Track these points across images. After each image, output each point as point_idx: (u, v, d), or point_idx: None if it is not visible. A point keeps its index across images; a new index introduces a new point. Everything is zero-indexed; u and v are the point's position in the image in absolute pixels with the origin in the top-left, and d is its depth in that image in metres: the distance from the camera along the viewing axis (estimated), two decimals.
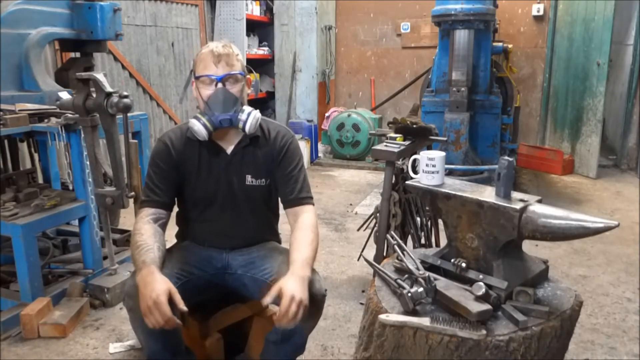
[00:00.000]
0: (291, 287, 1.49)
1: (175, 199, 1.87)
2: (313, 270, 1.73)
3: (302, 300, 1.48)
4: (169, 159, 1.80)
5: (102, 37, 3.14)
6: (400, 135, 2.60)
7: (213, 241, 1.87)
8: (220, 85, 1.69)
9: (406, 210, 2.65)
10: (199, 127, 1.69)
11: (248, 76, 1.80)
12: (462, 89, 4.14)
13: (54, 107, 2.73)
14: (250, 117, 1.71)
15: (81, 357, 2.27)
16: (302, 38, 6.58)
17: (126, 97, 2.48)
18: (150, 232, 1.68)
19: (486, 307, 1.29)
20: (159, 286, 1.47)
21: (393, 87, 6.72)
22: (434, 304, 1.39)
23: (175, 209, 1.95)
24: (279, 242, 2.03)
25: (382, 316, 1.33)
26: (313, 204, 1.83)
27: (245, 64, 1.79)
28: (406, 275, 1.45)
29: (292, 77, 6.71)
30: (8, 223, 2.43)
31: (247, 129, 1.71)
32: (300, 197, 1.80)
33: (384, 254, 2.51)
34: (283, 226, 2.11)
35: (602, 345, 2.35)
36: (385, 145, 2.54)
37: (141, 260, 1.58)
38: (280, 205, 1.94)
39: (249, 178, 1.81)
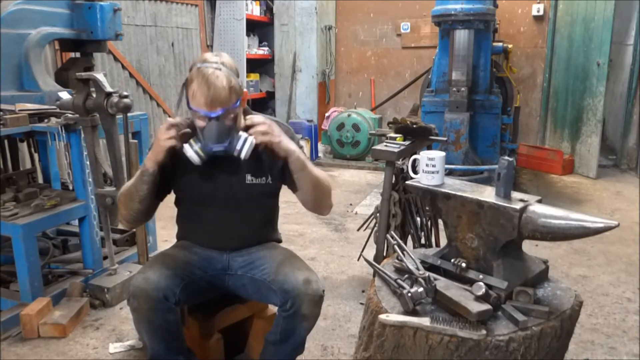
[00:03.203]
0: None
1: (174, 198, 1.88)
2: (311, 271, 1.73)
3: (274, 135, 1.65)
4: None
5: (102, 37, 3.14)
6: (400, 135, 2.60)
7: (213, 242, 1.86)
8: (214, 120, 1.63)
9: (406, 210, 2.65)
10: (191, 154, 1.65)
11: (245, 90, 1.72)
12: (462, 89, 4.14)
13: (54, 107, 2.73)
14: (246, 145, 1.65)
15: (81, 357, 2.27)
16: (302, 38, 6.58)
17: (126, 97, 2.49)
18: None
19: (486, 307, 1.29)
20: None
21: (393, 87, 6.72)
22: (434, 304, 1.39)
23: (174, 209, 1.96)
24: (280, 241, 2.04)
25: (382, 316, 1.33)
26: None
27: (239, 83, 1.67)
28: (406, 275, 1.45)
29: (292, 77, 6.71)
30: (8, 223, 2.43)
31: (242, 156, 1.65)
32: None
33: (384, 254, 2.51)
34: (283, 226, 2.11)
35: (602, 345, 2.35)
36: (385, 145, 2.54)
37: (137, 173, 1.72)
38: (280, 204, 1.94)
39: (248, 177, 1.81)
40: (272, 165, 1.82)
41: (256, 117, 1.69)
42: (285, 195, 1.90)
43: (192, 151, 1.65)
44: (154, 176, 1.68)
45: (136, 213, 1.74)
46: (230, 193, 1.81)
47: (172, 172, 1.79)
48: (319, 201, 1.80)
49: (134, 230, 3.00)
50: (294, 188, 1.82)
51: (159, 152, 1.64)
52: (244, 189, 1.81)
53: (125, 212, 1.76)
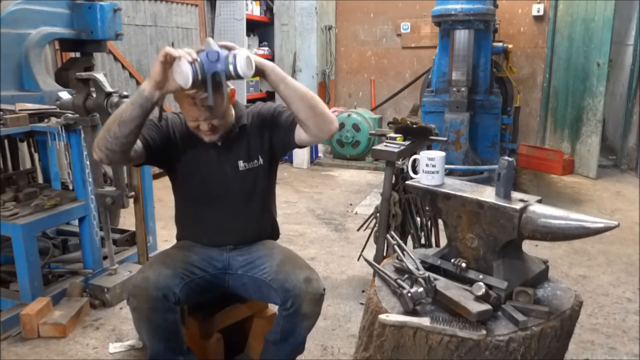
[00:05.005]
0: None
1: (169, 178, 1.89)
2: (312, 270, 1.73)
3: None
4: (167, 129, 1.79)
5: (102, 37, 3.14)
6: (400, 135, 2.60)
7: (213, 238, 1.87)
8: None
9: (406, 210, 2.65)
10: (186, 69, 1.44)
11: (232, 87, 1.71)
12: (462, 89, 4.14)
13: (54, 107, 2.73)
14: (237, 57, 1.48)
15: (81, 357, 2.27)
16: (302, 38, 6.58)
17: (126, 97, 2.49)
18: None
19: (486, 307, 1.29)
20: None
21: (393, 87, 6.72)
22: (434, 304, 1.39)
23: (173, 209, 1.96)
24: (278, 233, 2.04)
25: (382, 316, 1.33)
26: None
27: None
28: (406, 275, 1.45)
29: (292, 77, 6.68)
30: (8, 223, 2.43)
31: (240, 70, 1.48)
32: None
33: (384, 254, 2.51)
34: (283, 226, 2.11)
35: (602, 345, 2.35)
36: (385, 145, 2.53)
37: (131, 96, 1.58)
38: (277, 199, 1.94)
39: (241, 164, 1.82)
40: (260, 144, 1.83)
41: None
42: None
43: (187, 66, 1.44)
44: (143, 99, 1.52)
45: (112, 139, 1.55)
46: (225, 184, 1.82)
47: (168, 148, 1.78)
48: (317, 114, 1.62)
49: (134, 230, 3.00)
50: (290, 134, 1.73)
51: (156, 65, 1.49)
52: (238, 178, 1.82)
53: (101, 137, 1.58)
